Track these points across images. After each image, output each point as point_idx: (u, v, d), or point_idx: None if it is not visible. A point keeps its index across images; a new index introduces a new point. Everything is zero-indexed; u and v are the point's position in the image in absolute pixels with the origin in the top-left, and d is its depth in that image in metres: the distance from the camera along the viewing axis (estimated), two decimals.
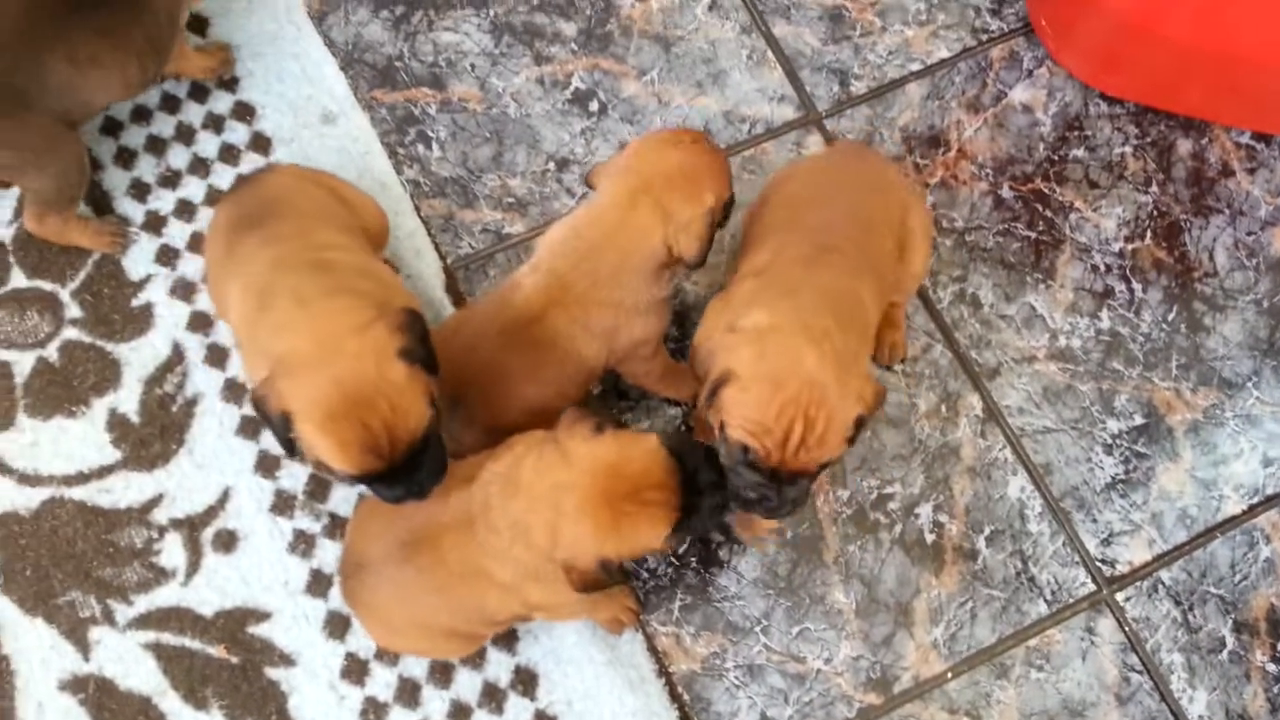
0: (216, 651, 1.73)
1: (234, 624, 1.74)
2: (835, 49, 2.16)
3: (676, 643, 1.79)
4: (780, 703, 1.76)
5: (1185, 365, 2.00)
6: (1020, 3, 2.22)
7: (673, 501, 1.39)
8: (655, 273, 1.61)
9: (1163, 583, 1.87)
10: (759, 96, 2.12)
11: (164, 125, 2.02)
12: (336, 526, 1.80)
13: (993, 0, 2.22)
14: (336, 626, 1.75)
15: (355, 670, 1.73)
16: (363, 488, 1.53)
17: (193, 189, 1.98)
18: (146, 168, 1.99)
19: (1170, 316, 2.03)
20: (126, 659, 1.72)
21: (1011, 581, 1.85)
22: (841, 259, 1.57)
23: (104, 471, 1.81)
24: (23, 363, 1.86)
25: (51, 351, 1.87)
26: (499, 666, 1.74)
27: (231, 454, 1.83)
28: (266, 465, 1.82)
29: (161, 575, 1.76)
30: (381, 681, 1.73)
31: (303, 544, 1.79)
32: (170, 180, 1.99)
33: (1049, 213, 2.07)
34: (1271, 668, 1.84)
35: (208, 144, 2.01)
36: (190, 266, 1.93)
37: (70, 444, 1.82)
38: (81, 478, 1.81)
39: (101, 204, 1.96)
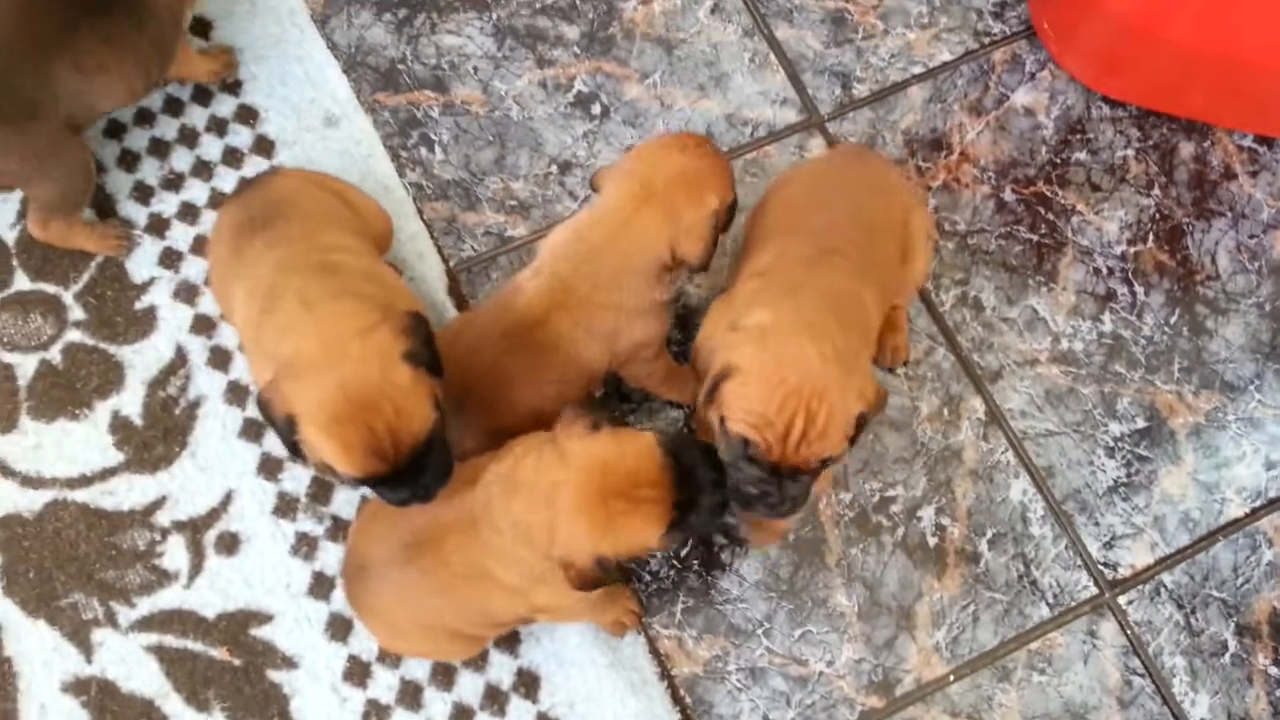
0: (219, 654, 1.73)
1: (236, 626, 1.74)
2: (837, 52, 2.17)
3: (679, 645, 1.79)
4: (782, 705, 1.76)
5: (1187, 368, 2.00)
6: (1022, 6, 2.22)
7: (667, 499, 1.37)
8: (657, 276, 1.61)
9: (1165, 586, 1.87)
10: (761, 99, 2.12)
11: (167, 128, 2.02)
12: (339, 529, 1.80)
13: (995, 3, 2.22)
14: (339, 629, 1.75)
15: (357, 672, 1.73)
16: (367, 490, 1.53)
17: (196, 192, 1.99)
18: (150, 171, 1.99)
19: (1172, 319, 2.03)
20: (129, 661, 1.72)
21: (1014, 584, 1.85)
22: (843, 261, 1.57)
23: (107, 474, 1.81)
24: (26, 365, 1.87)
25: (55, 354, 1.87)
26: (501, 669, 1.74)
27: (234, 456, 1.83)
28: (269, 468, 1.83)
29: (164, 577, 1.76)
30: (384, 684, 1.73)
31: (305, 546, 1.79)
32: (173, 183, 1.99)
33: (1051, 216, 2.08)
34: (1274, 671, 1.84)
35: (211, 147, 2.02)
36: (193, 269, 1.93)
37: (73, 446, 1.83)
38: (84, 480, 1.81)
39: (105, 207, 1.96)
